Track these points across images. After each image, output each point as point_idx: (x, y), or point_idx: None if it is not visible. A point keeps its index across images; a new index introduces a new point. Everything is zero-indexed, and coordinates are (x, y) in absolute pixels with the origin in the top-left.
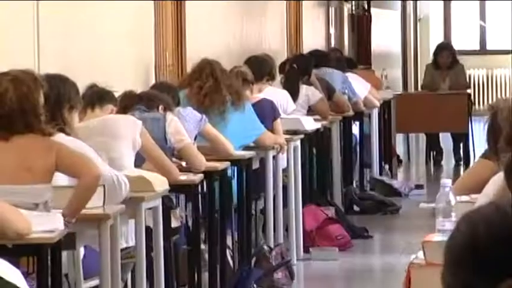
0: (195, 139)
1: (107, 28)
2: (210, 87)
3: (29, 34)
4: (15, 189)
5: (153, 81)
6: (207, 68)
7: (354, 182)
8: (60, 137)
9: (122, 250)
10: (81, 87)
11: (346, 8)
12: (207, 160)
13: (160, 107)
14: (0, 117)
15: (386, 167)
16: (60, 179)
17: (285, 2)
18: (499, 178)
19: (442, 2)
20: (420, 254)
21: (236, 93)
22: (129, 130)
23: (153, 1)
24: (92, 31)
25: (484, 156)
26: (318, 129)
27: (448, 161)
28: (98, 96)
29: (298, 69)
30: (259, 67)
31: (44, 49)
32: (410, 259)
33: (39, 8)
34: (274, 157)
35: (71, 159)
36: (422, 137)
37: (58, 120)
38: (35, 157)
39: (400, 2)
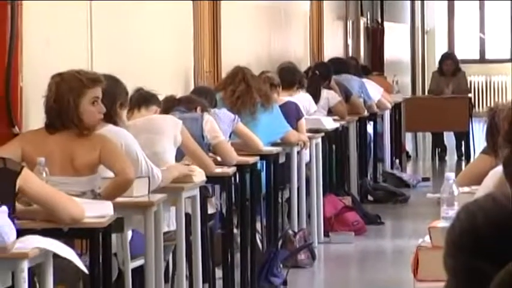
0: (229, 137)
1: (154, 36)
2: (242, 91)
3: (83, 36)
4: (63, 179)
5: (192, 86)
6: (240, 74)
7: (368, 175)
8: (109, 128)
9: (164, 233)
10: (129, 87)
11: (362, 21)
12: (239, 155)
13: (198, 108)
14: (58, 113)
15: (397, 161)
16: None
17: (308, 15)
18: (497, 171)
19: (447, 16)
20: (427, 238)
21: (265, 96)
22: (171, 128)
23: (192, 18)
24: (140, 38)
25: (483, 152)
26: (336, 128)
27: (451, 157)
28: (144, 98)
29: (319, 75)
30: (292, 76)
31: (96, 50)
32: (418, 242)
33: (92, 12)
34: (298, 152)
35: (112, 158)
36: (429, 136)
37: (111, 114)
38: (81, 152)
39: (409, 16)
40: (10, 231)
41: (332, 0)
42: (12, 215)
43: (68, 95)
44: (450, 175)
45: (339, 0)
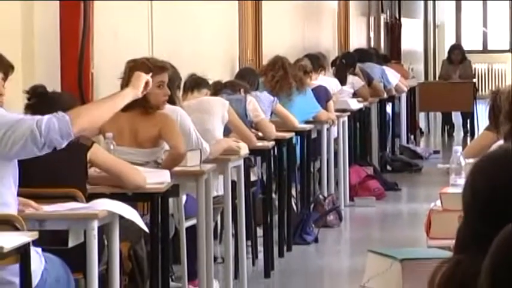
0: (270, 115)
1: (205, 29)
2: (280, 76)
3: (145, 29)
4: (130, 150)
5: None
6: (278, 62)
7: (387, 148)
8: (167, 106)
9: (213, 198)
10: (184, 73)
11: (382, 17)
12: (278, 131)
13: (241, 90)
14: None
15: (412, 137)
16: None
17: (336, 12)
18: (498, 145)
19: (454, 13)
20: (438, 202)
21: (299, 81)
22: (219, 108)
23: (237, 14)
24: (194, 30)
25: (487, 129)
26: (360, 109)
27: (458, 133)
28: (196, 83)
29: (346, 63)
30: (316, 62)
31: (156, 41)
32: (430, 206)
33: (152, 8)
34: (327, 129)
35: (169, 134)
36: (439, 115)
37: (172, 96)
38: (144, 128)
39: (422, 13)
40: None
41: (356, 0)
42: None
43: None
44: (458, 148)
45: None
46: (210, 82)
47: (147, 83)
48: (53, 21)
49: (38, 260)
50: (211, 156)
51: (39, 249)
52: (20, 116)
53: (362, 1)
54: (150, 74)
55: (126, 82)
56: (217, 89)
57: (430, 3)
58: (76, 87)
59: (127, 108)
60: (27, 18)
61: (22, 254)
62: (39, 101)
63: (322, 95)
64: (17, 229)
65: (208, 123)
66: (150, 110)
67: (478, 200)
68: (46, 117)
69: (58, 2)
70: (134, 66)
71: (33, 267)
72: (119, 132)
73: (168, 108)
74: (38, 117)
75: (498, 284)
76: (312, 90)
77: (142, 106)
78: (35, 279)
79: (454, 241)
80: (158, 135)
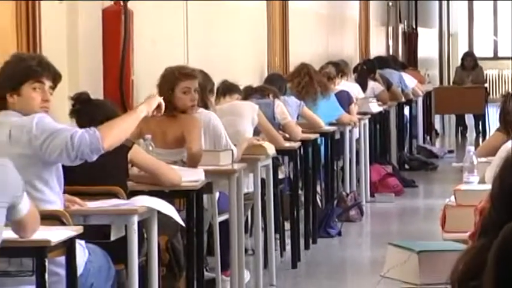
0: (297, 118)
1: (236, 39)
2: (305, 82)
3: (180, 38)
4: (159, 151)
5: None
6: (304, 69)
7: (405, 148)
8: (200, 110)
9: (244, 194)
10: (216, 79)
11: (400, 27)
12: (304, 132)
13: (270, 95)
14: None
15: (428, 137)
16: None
17: (358, 22)
18: (508, 145)
19: (467, 23)
20: (452, 198)
21: (324, 86)
22: (250, 112)
23: (266, 26)
24: (226, 40)
25: (497, 130)
26: (380, 111)
27: (471, 134)
28: (228, 88)
29: (366, 70)
30: (338, 68)
31: (191, 49)
32: (445, 202)
33: (188, 19)
34: (350, 131)
35: (188, 135)
36: (453, 117)
37: (204, 100)
38: (171, 129)
39: (437, 23)
40: None
41: (376, 10)
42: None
43: (165, 85)
44: (470, 148)
45: (382, 9)
46: (241, 87)
47: (159, 105)
48: (96, 32)
49: (82, 252)
50: (237, 159)
51: (82, 242)
52: (61, 125)
53: (381, 12)
54: (162, 98)
55: (159, 88)
56: (248, 93)
57: (444, 14)
58: (117, 93)
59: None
60: (72, 29)
61: (68, 247)
62: (83, 107)
63: (344, 99)
64: (63, 224)
65: (240, 126)
66: (175, 113)
67: (504, 192)
68: (80, 131)
69: (101, 14)
70: (163, 75)
71: (78, 258)
72: (151, 135)
73: (202, 112)
74: (74, 130)
75: (502, 272)
76: (335, 95)
77: (169, 110)
78: (79, 269)
79: (468, 234)
80: (182, 136)
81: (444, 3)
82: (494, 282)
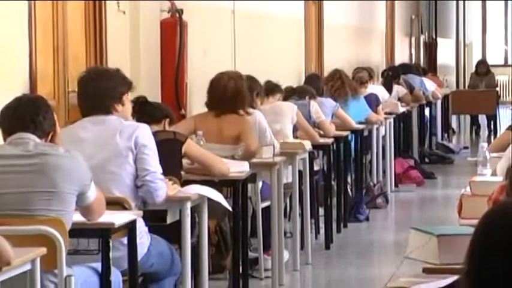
0: (332, 117)
1: (277, 48)
2: (338, 85)
3: (228, 47)
4: (215, 146)
5: (302, 82)
6: (337, 74)
7: (426, 144)
8: (252, 111)
9: (284, 184)
10: (261, 81)
11: (422, 37)
12: (337, 130)
13: (307, 97)
14: (219, 100)
15: (446, 135)
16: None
17: (384, 33)
18: None
19: (481, 34)
20: (468, 188)
21: (354, 90)
22: (289, 111)
23: (304, 37)
24: (268, 49)
25: (508, 129)
26: (404, 112)
27: (484, 132)
28: (270, 88)
29: (391, 75)
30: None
31: (238, 56)
32: (461, 191)
33: (236, 31)
34: (377, 128)
35: (245, 135)
36: (468, 117)
37: (251, 102)
38: (227, 128)
39: (455, 34)
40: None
41: (401, 22)
42: (180, 170)
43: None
44: (484, 144)
45: (406, 22)
46: (282, 87)
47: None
48: (155, 41)
49: (146, 236)
50: (277, 153)
51: (146, 229)
52: (156, 151)
53: (405, 24)
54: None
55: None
56: (288, 94)
57: (461, 26)
58: (173, 95)
59: (219, 113)
60: (134, 39)
61: (129, 229)
62: (141, 108)
63: (373, 101)
64: (125, 209)
65: (280, 124)
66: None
67: None
68: (161, 184)
69: (159, 25)
70: (212, 81)
71: (142, 241)
72: (207, 132)
73: (253, 112)
74: (159, 172)
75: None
76: (365, 97)
77: (231, 111)
78: (143, 250)
79: None
80: (238, 135)
81: (461, 16)
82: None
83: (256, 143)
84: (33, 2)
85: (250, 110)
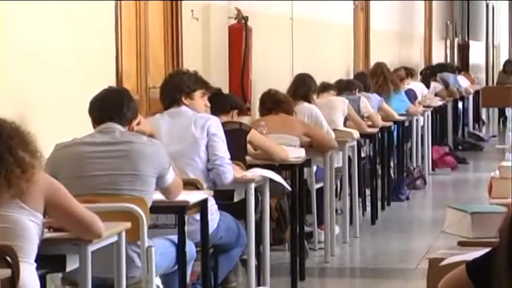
0: (378, 110)
1: (329, 50)
2: (381, 81)
3: (287, 48)
4: (280, 136)
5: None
6: (379, 69)
7: (459, 133)
8: (304, 105)
9: (335, 168)
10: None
11: (456, 40)
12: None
13: (356, 90)
14: (274, 102)
15: (476, 125)
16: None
17: (423, 37)
18: None
19: (508, 36)
20: (497, 172)
21: (395, 85)
22: (341, 105)
23: (353, 39)
24: (322, 50)
25: None
26: (440, 105)
27: (510, 123)
28: (325, 87)
29: (429, 73)
30: (406, 71)
31: (296, 57)
32: (491, 174)
33: (293, 35)
34: (416, 120)
35: (316, 133)
36: (496, 110)
37: (308, 97)
38: (293, 123)
39: (485, 36)
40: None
41: (437, 27)
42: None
43: None
44: (510, 134)
45: (442, 27)
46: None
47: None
48: (223, 44)
49: (216, 213)
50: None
51: (216, 206)
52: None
53: (441, 29)
54: None
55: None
56: (341, 88)
57: (490, 30)
58: (239, 90)
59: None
60: (205, 42)
61: (202, 206)
62: (216, 99)
63: (412, 96)
64: (198, 189)
65: (333, 116)
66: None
67: None
68: (230, 169)
69: (227, 30)
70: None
71: (213, 217)
72: (270, 126)
73: (305, 106)
74: (228, 158)
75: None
76: (405, 92)
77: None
78: (214, 224)
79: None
80: (301, 133)
81: (490, 21)
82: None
83: (324, 135)
84: (119, 1)
85: (309, 105)
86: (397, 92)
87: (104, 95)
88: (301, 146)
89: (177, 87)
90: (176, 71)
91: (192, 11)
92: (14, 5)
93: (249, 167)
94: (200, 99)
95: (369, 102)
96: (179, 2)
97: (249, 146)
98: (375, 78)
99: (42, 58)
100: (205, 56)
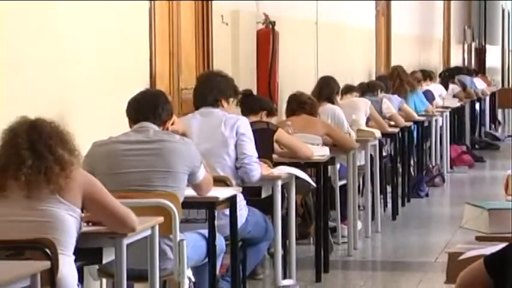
0: (398, 111)
1: (351, 53)
2: (398, 84)
3: (312, 53)
4: (303, 135)
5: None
6: (395, 72)
7: (476, 133)
8: (327, 106)
9: (358, 166)
10: (340, 82)
11: (473, 44)
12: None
13: (378, 90)
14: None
15: (493, 125)
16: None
17: (441, 41)
18: None
19: None
20: None
21: (412, 86)
22: (363, 106)
23: (374, 46)
24: (345, 54)
25: None
26: (457, 106)
27: None
28: (348, 88)
29: (448, 75)
30: (425, 74)
31: (320, 61)
32: (507, 173)
33: (318, 40)
34: (435, 120)
35: (337, 133)
36: (511, 111)
37: (331, 98)
38: (315, 124)
39: (500, 41)
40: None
41: (455, 31)
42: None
43: None
44: None
45: (460, 31)
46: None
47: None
48: (252, 47)
49: (244, 208)
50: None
51: (244, 202)
52: (252, 140)
53: (459, 33)
54: None
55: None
56: (363, 90)
57: (506, 35)
58: (267, 91)
59: (300, 113)
60: (234, 46)
61: (231, 202)
62: (246, 99)
63: (430, 97)
64: (227, 186)
65: (356, 115)
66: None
67: None
68: (257, 167)
69: (255, 34)
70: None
71: (242, 213)
72: (294, 126)
73: (328, 107)
74: (256, 157)
75: None
76: (423, 93)
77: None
78: (242, 219)
79: None
80: (323, 134)
81: (506, 27)
82: None
83: (345, 136)
84: (153, 1)
85: (332, 106)
86: (414, 92)
87: (140, 96)
88: (325, 145)
89: (219, 89)
90: (217, 71)
91: (222, 16)
92: (58, 5)
93: (275, 164)
94: (234, 106)
95: (390, 103)
96: (210, 1)
97: (275, 145)
98: (392, 81)
99: (80, 59)
100: (234, 59)
